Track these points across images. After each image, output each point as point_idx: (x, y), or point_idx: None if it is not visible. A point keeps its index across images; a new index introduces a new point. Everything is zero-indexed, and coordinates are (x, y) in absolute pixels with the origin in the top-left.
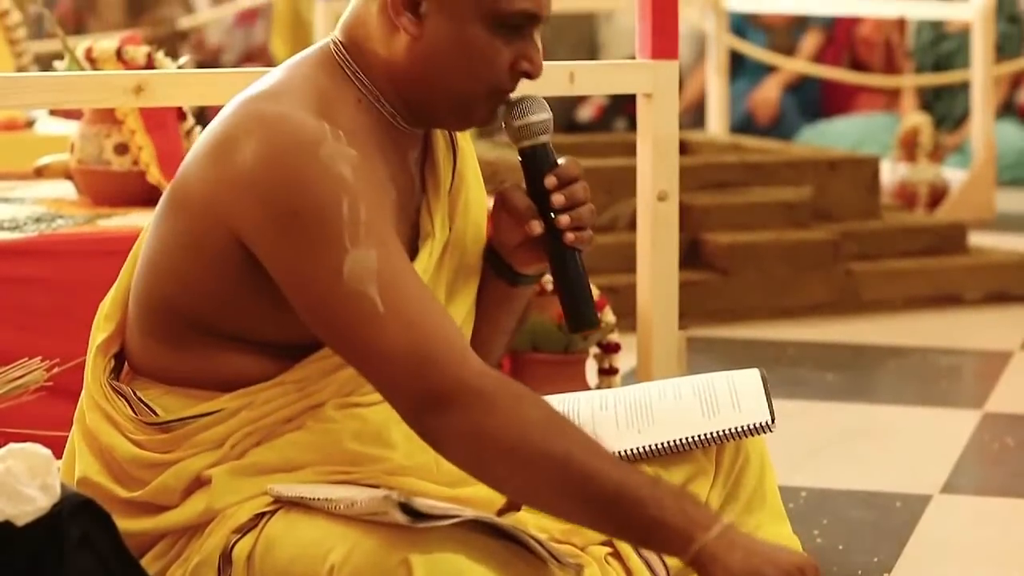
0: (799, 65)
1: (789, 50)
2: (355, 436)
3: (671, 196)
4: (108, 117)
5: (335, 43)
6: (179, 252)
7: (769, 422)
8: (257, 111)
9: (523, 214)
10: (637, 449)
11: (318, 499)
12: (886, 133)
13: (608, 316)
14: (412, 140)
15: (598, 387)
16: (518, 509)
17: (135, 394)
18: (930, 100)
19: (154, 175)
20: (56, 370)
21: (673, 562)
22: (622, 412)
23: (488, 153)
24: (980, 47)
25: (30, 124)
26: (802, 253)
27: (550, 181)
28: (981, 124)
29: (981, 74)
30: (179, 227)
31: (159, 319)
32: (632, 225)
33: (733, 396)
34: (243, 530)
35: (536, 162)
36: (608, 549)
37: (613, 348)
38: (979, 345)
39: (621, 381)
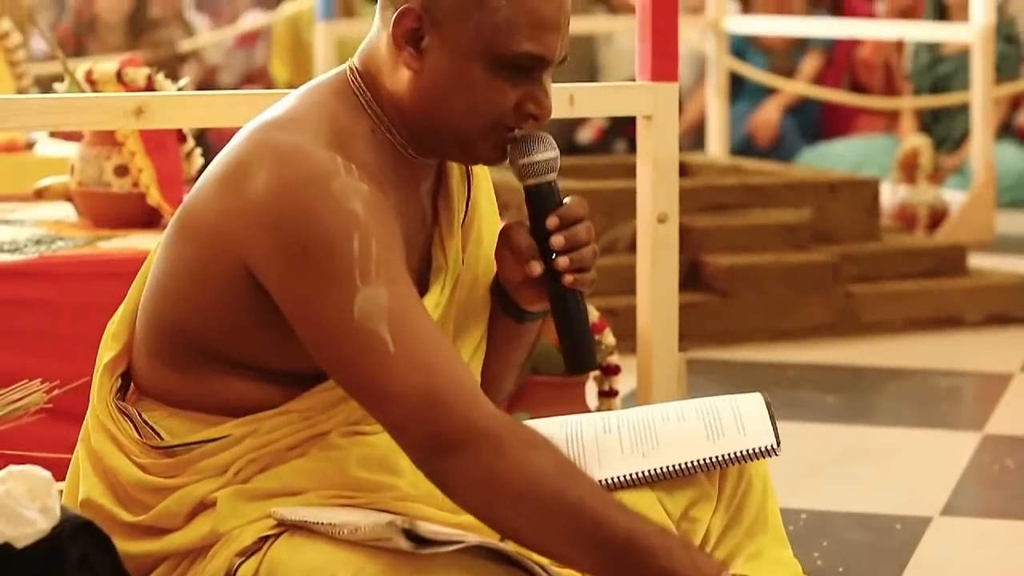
0: (799, 87)
1: (789, 72)
2: (361, 463)
3: (671, 218)
4: (108, 139)
5: (352, 70)
6: (187, 277)
7: (774, 445)
8: (271, 140)
9: (524, 253)
10: (642, 472)
11: (322, 523)
12: (886, 155)
13: (608, 338)
14: (425, 170)
15: (598, 409)
16: None
17: (140, 416)
18: (929, 122)
19: (154, 197)
20: (56, 392)
21: None
22: (626, 435)
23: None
24: (980, 69)
25: (30, 146)
26: (802, 275)
27: (552, 222)
28: (981, 146)
29: (981, 96)
30: (188, 252)
31: (165, 342)
32: (632, 247)
33: (737, 419)
34: (247, 553)
35: (540, 201)
36: None
37: (613, 370)
38: (979, 367)
39: (621, 403)
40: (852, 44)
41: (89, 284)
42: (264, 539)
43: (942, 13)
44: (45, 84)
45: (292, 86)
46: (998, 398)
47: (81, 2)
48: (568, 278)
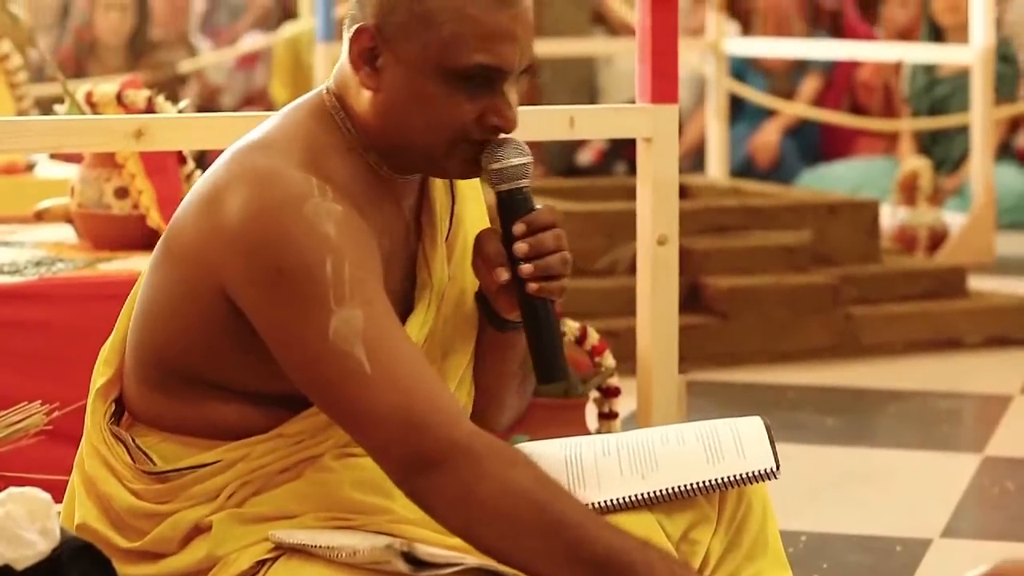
0: (799, 109)
1: (789, 94)
2: (355, 485)
3: (671, 240)
4: (108, 161)
5: (327, 91)
6: (170, 302)
7: (774, 469)
8: (246, 163)
9: (493, 260)
10: (641, 495)
11: (320, 546)
12: (885, 177)
13: (608, 360)
14: (407, 187)
15: (598, 431)
16: None
17: (133, 441)
18: (927, 144)
19: (154, 219)
20: (56, 414)
21: None
22: (625, 457)
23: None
24: (979, 91)
25: (30, 168)
26: (802, 297)
27: (518, 228)
28: (981, 168)
29: (980, 117)
30: (170, 276)
31: (152, 367)
32: (632, 269)
33: (737, 442)
34: None
35: (511, 208)
36: None
37: (613, 392)
38: (979, 389)
39: (621, 425)
40: (852, 66)
41: (89, 306)
42: (261, 563)
43: (937, 35)
44: (45, 106)
45: None
46: (998, 420)
47: (81, 24)
48: (532, 285)
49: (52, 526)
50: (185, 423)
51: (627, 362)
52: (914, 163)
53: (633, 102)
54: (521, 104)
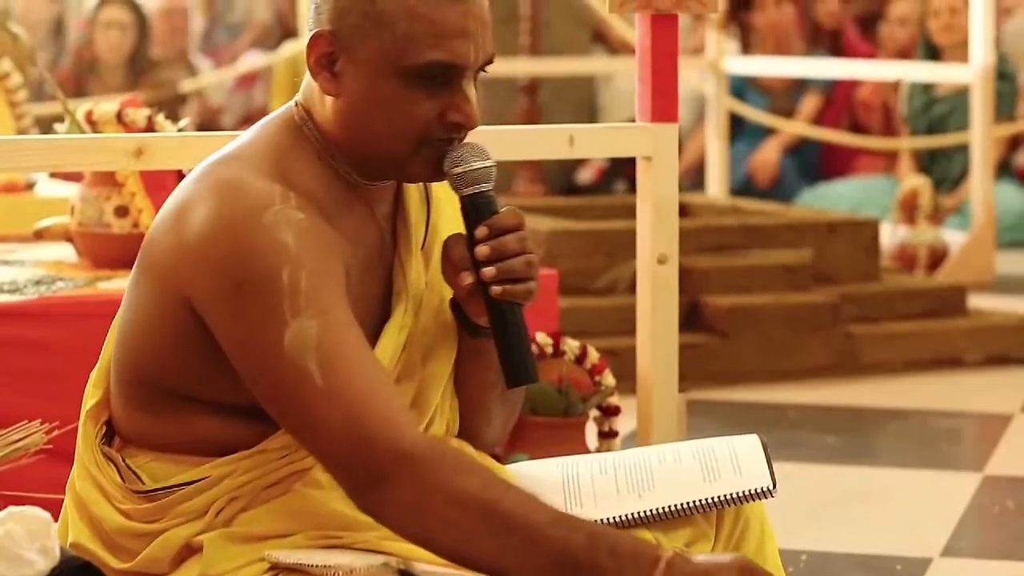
0: (798, 127)
1: (788, 113)
2: (345, 501)
3: (671, 259)
4: (108, 180)
5: (296, 104)
6: (145, 318)
7: (771, 487)
8: (211, 175)
9: (457, 265)
10: (638, 513)
11: (316, 565)
12: (885, 196)
13: (608, 379)
14: (380, 195)
15: (598, 450)
16: None
17: (124, 461)
18: (926, 163)
19: None
20: (56, 433)
21: None
22: (622, 476)
23: None
24: (979, 109)
25: (30, 186)
26: (802, 316)
27: (480, 232)
28: (981, 186)
29: (980, 136)
30: (144, 292)
31: (136, 386)
32: (632, 288)
33: (734, 461)
34: None
35: (473, 211)
36: None
37: (613, 411)
38: (979, 408)
39: (621, 444)
40: (851, 85)
41: (89, 325)
42: None
43: (934, 55)
44: (45, 125)
45: None
46: (998, 439)
47: (82, 43)
48: (496, 288)
49: (52, 545)
50: (172, 441)
51: (627, 381)
52: (914, 182)
53: (633, 121)
54: (521, 123)
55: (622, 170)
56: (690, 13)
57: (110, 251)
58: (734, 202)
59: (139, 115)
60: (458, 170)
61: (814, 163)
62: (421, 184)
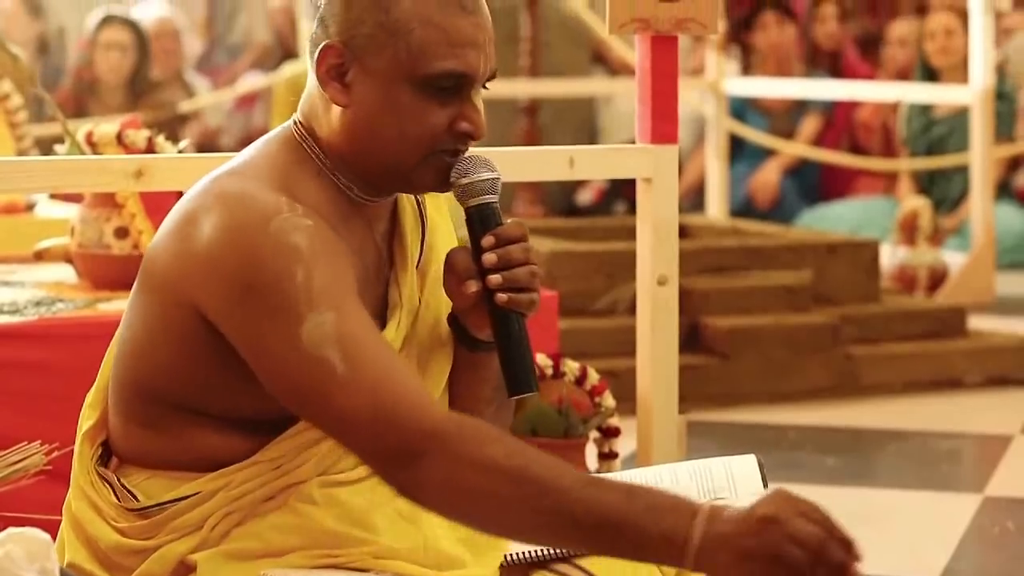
0: (798, 149)
1: (789, 134)
2: (338, 518)
3: (671, 280)
4: (108, 201)
5: (295, 122)
6: (149, 332)
7: None
8: (217, 187)
9: (462, 274)
10: None
11: None
12: (885, 217)
13: (608, 400)
14: (378, 213)
15: (598, 471)
16: None
17: (119, 480)
18: (926, 184)
19: None
20: (55, 454)
21: None
22: None
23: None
24: (979, 131)
25: (30, 207)
26: (802, 337)
27: (487, 241)
28: (981, 207)
29: (980, 157)
30: (147, 306)
31: (136, 400)
32: (632, 309)
33: (730, 481)
34: None
35: (480, 222)
36: None
37: (613, 432)
38: (979, 429)
39: (621, 465)
40: (851, 106)
41: (89, 346)
42: None
43: (931, 77)
44: (46, 146)
45: None
46: (998, 460)
47: (82, 63)
48: (501, 296)
49: (51, 567)
50: (169, 456)
51: (627, 402)
52: (914, 203)
53: (633, 142)
54: (521, 144)
55: (622, 191)
56: (690, 34)
57: (110, 272)
58: (734, 223)
59: (139, 136)
60: (465, 180)
61: (814, 184)
62: (416, 204)
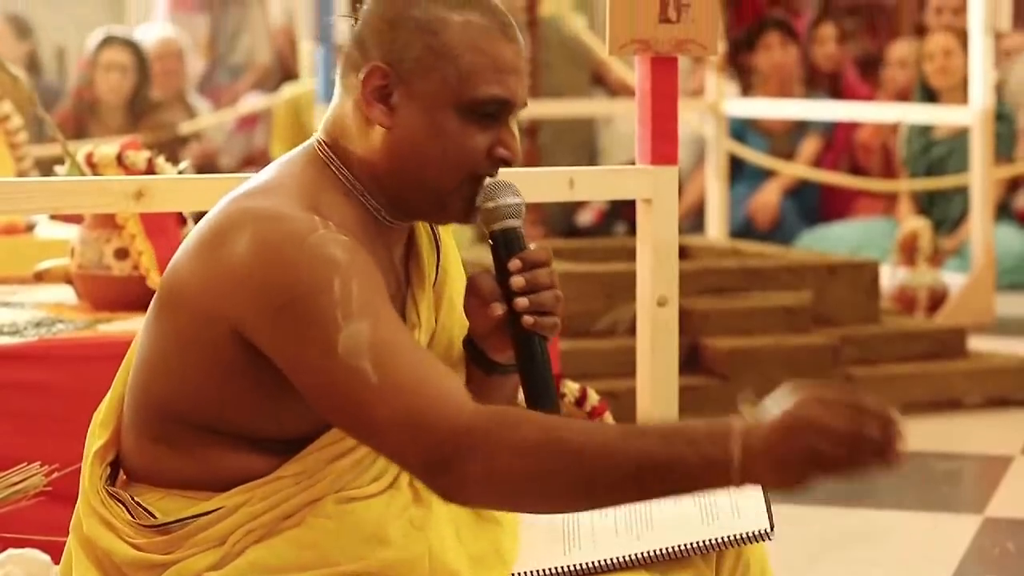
0: (798, 170)
1: (788, 155)
2: (352, 533)
3: (671, 301)
4: (108, 222)
5: (319, 142)
6: (174, 351)
7: (768, 530)
8: (247, 206)
9: (487, 297)
10: (636, 555)
11: None
12: (885, 238)
13: (608, 421)
14: (397, 237)
15: None
16: None
17: (133, 499)
18: (926, 205)
19: (154, 280)
20: (55, 475)
21: None
22: (621, 518)
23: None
24: (979, 151)
25: (30, 228)
26: (802, 358)
27: (514, 264)
28: (980, 228)
29: (980, 179)
30: (172, 326)
31: (157, 419)
32: (632, 330)
33: (733, 503)
34: None
35: (505, 245)
36: None
37: None
38: (979, 450)
39: None
40: (851, 127)
41: (89, 367)
42: None
43: (931, 98)
44: (46, 167)
45: None
46: (998, 481)
47: (82, 83)
48: (527, 319)
49: None
50: (186, 475)
51: (627, 423)
52: (914, 224)
53: (633, 163)
54: (521, 165)
55: (622, 212)
56: (690, 55)
57: (110, 293)
58: (734, 244)
59: (139, 157)
60: (491, 204)
61: (814, 205)
62: (430, 228)
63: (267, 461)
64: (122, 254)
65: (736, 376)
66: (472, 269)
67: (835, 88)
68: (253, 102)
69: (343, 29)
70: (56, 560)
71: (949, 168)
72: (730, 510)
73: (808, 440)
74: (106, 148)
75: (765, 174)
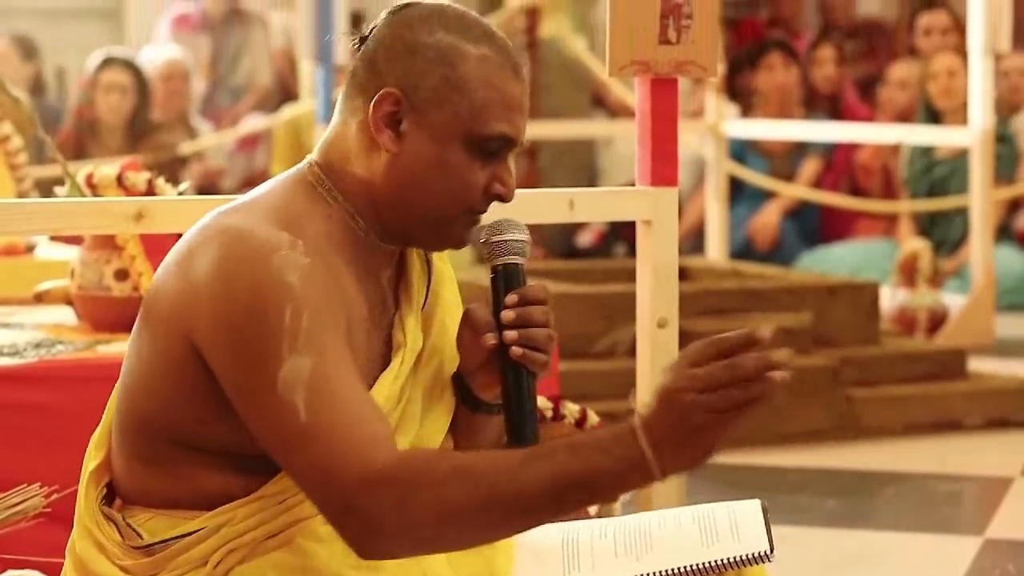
0: (798, 191)
1: (788, 176)
2: (343, 555)
3: (671, 323)
4: (108, 243)
5: (311, 164)
6: (151, 367)
7: (768, 552)
8: (219, 223)
9: (481, 329)
10: None
11: None
12: (885, 259)
13: None
14: (386, 259)
15: (598, 514)
16: None
17: (124, 519)
18: (926, 226)
19: None
20: (55, 496)
21: None
22: (621, 540)
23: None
24: (979, 172)
25: (30, 249)
26: (802, 379)
27: (511, 299)
28: (980, 250)
29: (980, 200)
30: (149, 342)
31: (143, 440)
32: (632, 351)
33: (733, 525)
34: None
35: (505, 280)
36: None
37: None
38: (979, 471)
39: (621, 508)
40: (851, 148)
41: (89, 388)
42: None
43: (934, 118)
44: (46, 188)
45: None
46: (999, 502)
47: (82, 103)
48: (516, 350)
49: None
50: (172, 494)
51: None
52: (914, 245)
53: (633, 184)
54: (521, 187)
55: (622, 233)
56: (690, 77)
57: (110, 314)
58: (734, 266)
59: (139, 179)
60: (498, 238)
61: (814, 227)
62: (422, 253)
63: (251, 480)
64: (122, 275)
65: None
66: (470, 290)
67: (835, 109)
68: (254, 123)
69: (344, 49)
70: None
71: (951, 188)
72: (730, 532)
73: (683, 415)
74: (106, 169)
75: (765, 195)
